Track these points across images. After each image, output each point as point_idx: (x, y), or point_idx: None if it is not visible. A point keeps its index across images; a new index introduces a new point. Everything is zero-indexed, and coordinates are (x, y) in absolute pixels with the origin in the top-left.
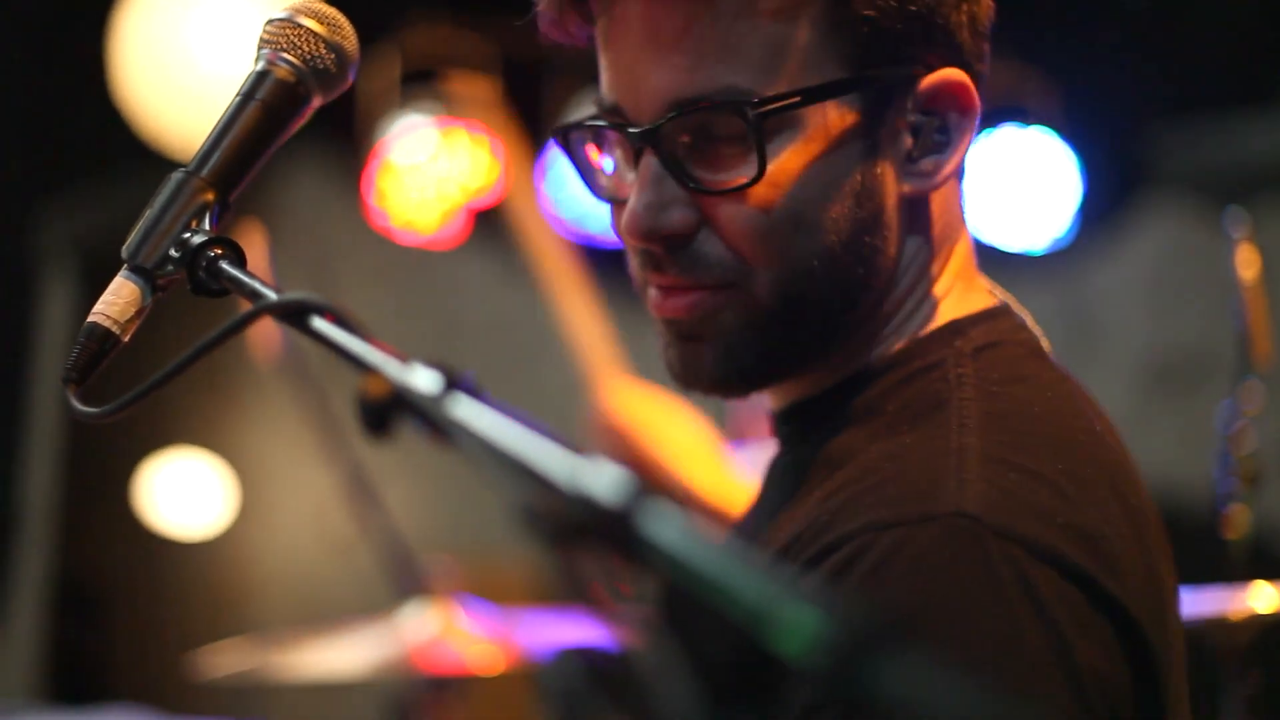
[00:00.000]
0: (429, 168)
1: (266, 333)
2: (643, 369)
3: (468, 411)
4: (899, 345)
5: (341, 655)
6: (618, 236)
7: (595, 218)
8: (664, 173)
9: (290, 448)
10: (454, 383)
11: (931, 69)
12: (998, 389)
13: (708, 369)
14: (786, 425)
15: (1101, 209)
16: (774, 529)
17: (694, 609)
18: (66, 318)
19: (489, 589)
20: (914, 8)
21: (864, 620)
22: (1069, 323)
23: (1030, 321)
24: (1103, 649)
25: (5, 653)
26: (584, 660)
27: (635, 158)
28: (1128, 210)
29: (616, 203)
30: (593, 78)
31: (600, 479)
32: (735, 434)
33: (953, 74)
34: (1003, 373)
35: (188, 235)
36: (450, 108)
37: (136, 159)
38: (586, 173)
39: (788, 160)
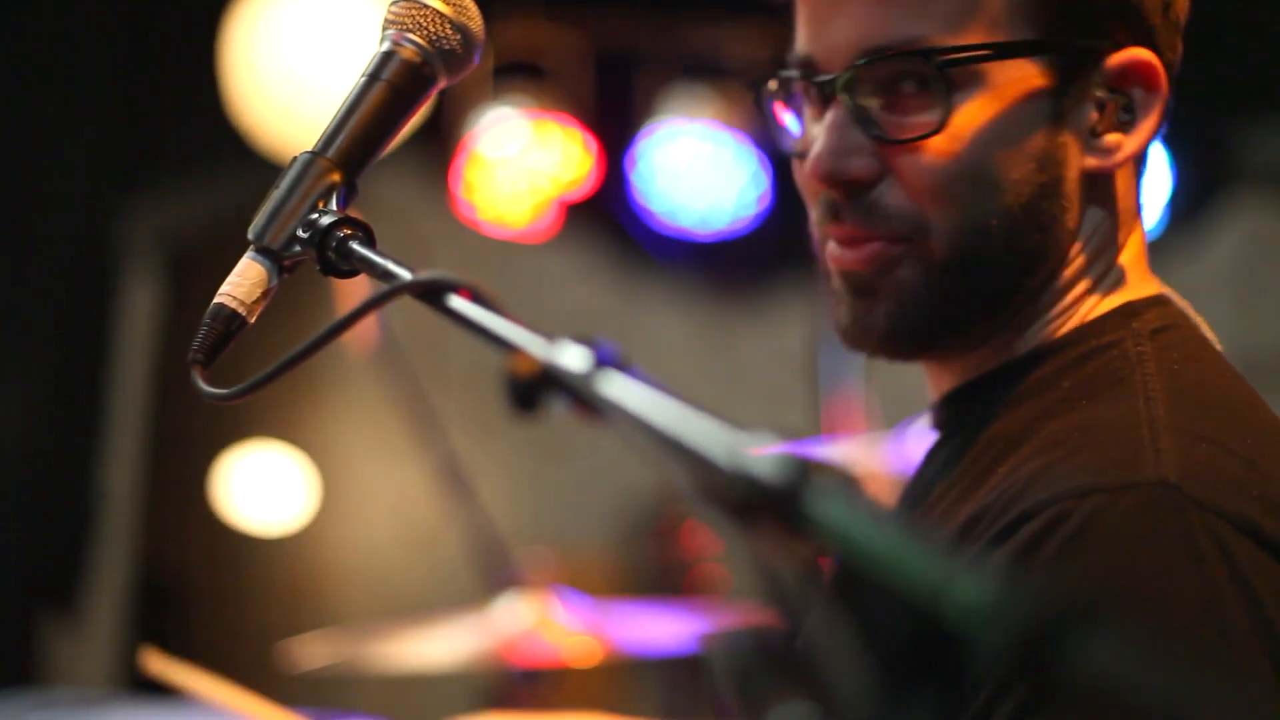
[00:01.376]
0: (520, 160)
1: (361, 322)
2: (739, 361)
3: (620, 388)
4: (1070, 325)
5: (432, 647)
6: (802, 188)
7: (687, 211)
8: (849, 121)
9: (372, 441)
10: (602, 358)
11: (1120, 47)
12: (1179, 367)
13: (879, 325)
14: (951, 408)
15: (1190, 203)
16: (948, 509)
17: (866, 587)
18: (149, 312)
19: (582, 581)
20: None
21: (1050, 594)
22: None
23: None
24: None
25: (87, 645)
26: (755, 639)
27: (823, 107)
28: (1216, 205)
29: (800, 157)
30: (684, 70)
31: (762, 455)
32: (830, 427)
33: (1142, 53)
34: (1181, 353)
35: (315, 216)
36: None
37: (225, 156)
38: (777, 129)
39: (971, 114)
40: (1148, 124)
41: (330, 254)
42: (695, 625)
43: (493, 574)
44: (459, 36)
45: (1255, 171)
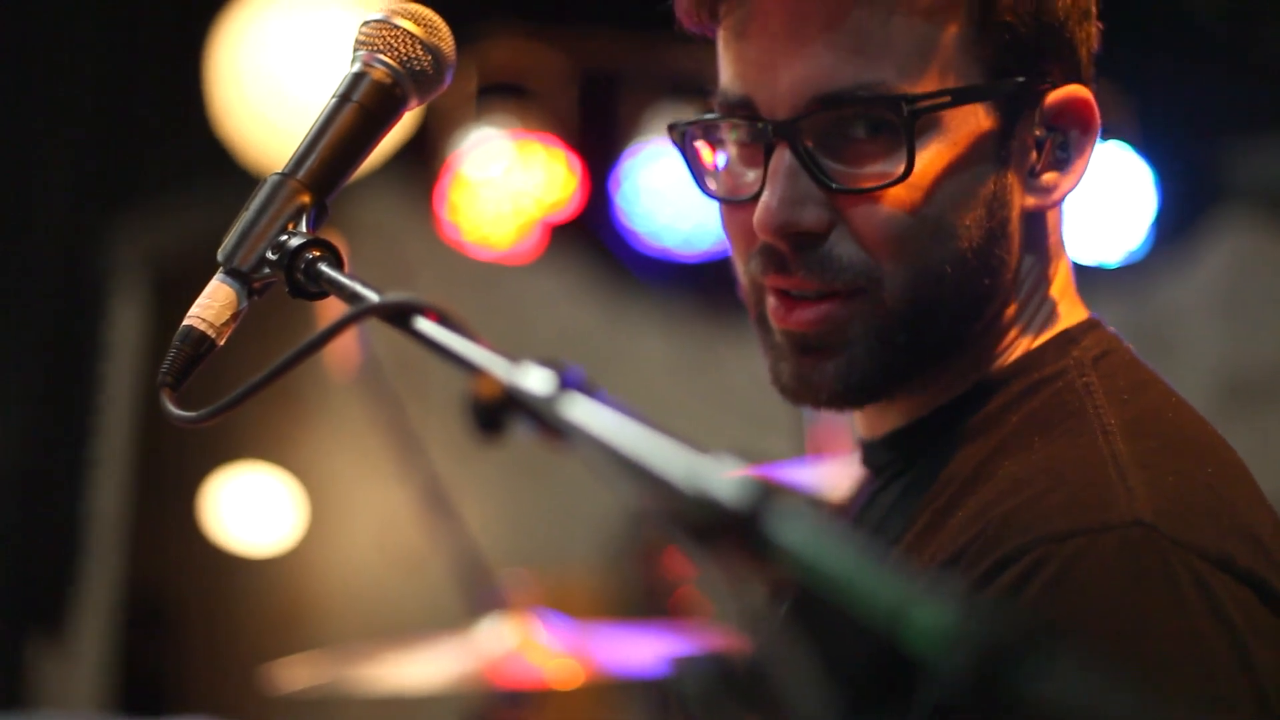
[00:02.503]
0: (504, 181)
1: (344, 344)
2: (723, 382)
3: (582, 411)
4: (1011, 358)
5: (416, 669)
6: (731, 237)
7: (672, 232)
8: (799, 169)
9: (358, 463)
10: (567, 381)
11: (1056, 84)
12: (1128, 397)
13: (828, 383)
14: (894, 448)
15: (1176, 223)
16: (909, 550)
17: (824, 611)
18: (137, 334)
19: (565, 603)
20: (1046, 19)
21: (1007, 620)
22: (1141, 336)
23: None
24: (1276, 651)
25: (73, 667)
26: (716, 664)
27: (765, 154)
28: (1202, 224)
29: (729, 202)
30: (668, 90)
31: (723, 479)
32: (814, 449)
33: (1077, 90)
34: (1126, 380)
35: (285, 238)
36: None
37: (211, 176)
38: (698, 171)
39: (931, 161)
40: (1082, 162)
41: (299, 276)
42: (679, 647)
43: (476, 596)
44: (430, 57)
45: (1242, 190)
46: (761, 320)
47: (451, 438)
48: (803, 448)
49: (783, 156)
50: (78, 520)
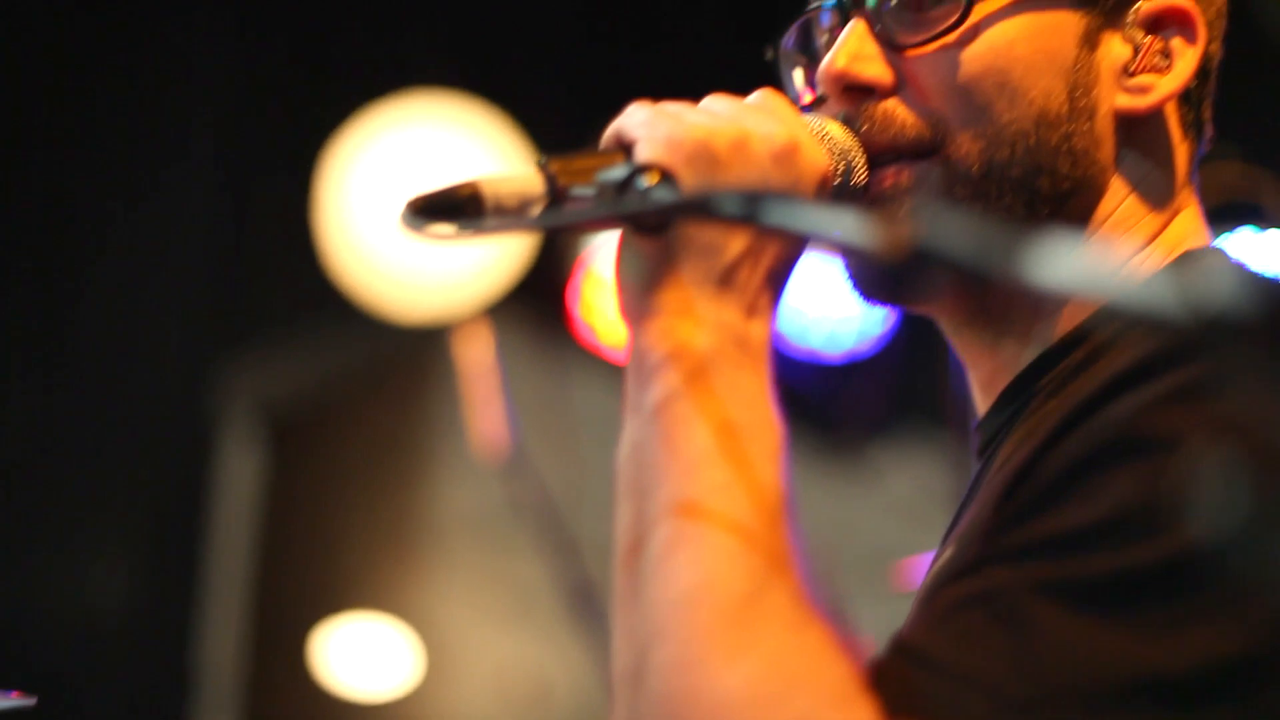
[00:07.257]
0: None
1: (491, 430)
2: (877, 482)
3: (1054, 253)
4: None
5: None
6: None
7: (815, 331)
8: (865, 31)
9: (473, 608)
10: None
11: None
12: None
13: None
14: (995, 417)
15: None
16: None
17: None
18: (248, 479)
19: None
20: None
21: None
22: None
23: None
24: None
25: None
26: None
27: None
28: None
29: (815, 104)
30: None
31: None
32: None
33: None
34: None
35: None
36: None
37: (326, 319)
38: (793, 94)
39: (994, 17)
40: (1183, 68)
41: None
42: None
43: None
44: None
45: None
46: None
47: (603, 549)
48: None
49: (854, 24)
50: (189, 668)
